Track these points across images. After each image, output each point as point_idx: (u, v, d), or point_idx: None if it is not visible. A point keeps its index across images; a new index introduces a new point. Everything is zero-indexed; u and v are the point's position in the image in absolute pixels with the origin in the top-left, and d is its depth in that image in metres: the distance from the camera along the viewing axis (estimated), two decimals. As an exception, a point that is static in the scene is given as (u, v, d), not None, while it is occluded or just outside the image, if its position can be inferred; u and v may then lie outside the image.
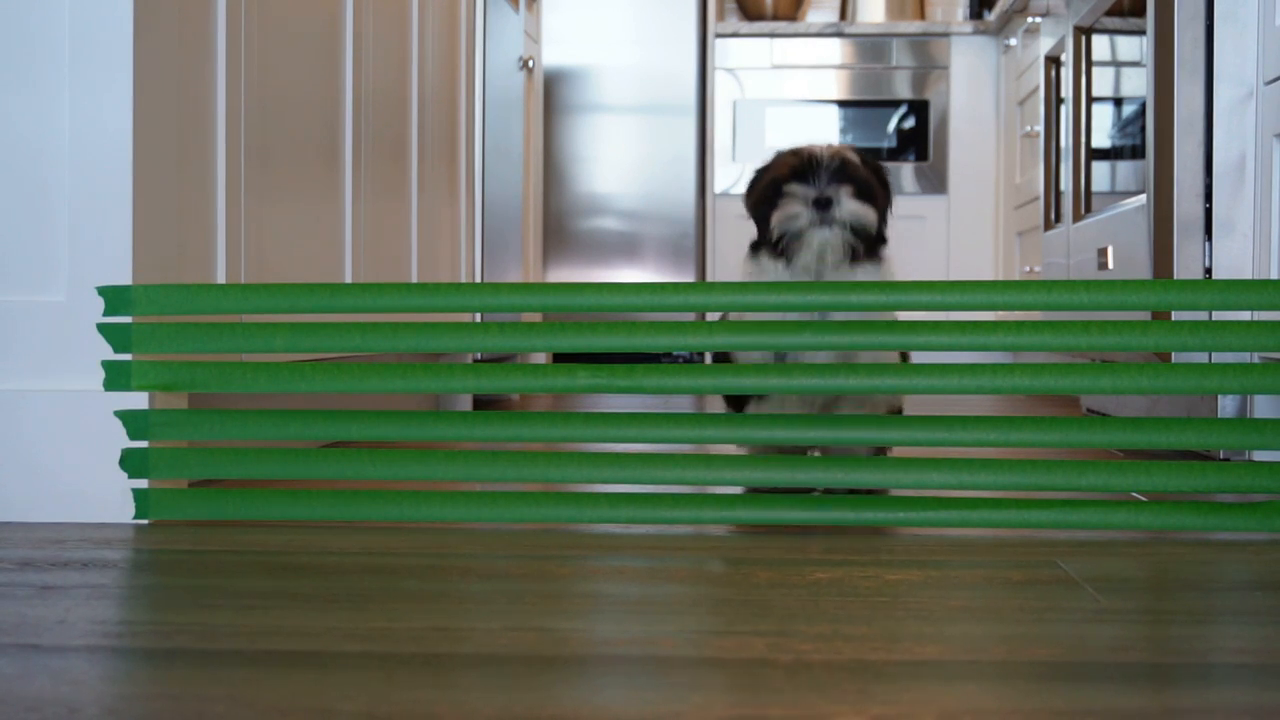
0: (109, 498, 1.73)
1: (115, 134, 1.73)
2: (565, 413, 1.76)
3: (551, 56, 5.02)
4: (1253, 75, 2.26)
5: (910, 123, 5.56)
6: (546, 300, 1.76)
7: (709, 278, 5.37)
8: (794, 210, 1.78)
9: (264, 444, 1.90)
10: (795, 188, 1.78)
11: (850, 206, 1.77)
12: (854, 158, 1.82)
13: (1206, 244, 2.31)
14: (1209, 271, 2.31)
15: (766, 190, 1.81)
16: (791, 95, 5.60)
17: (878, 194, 1.80)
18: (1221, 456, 2.20)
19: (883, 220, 1.85)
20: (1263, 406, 2.13)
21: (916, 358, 1.65)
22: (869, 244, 1.82)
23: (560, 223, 5.14)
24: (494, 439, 1.76)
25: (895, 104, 5.56)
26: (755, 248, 1.89)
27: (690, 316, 4.84)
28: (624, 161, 5.19)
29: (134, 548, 1.58)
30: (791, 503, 1.70)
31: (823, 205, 1.76)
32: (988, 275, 5.46)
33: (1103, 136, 3.16)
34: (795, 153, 1.83)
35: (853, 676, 1.05)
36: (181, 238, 1.89)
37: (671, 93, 5.17)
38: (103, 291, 1.72)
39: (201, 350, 1.74)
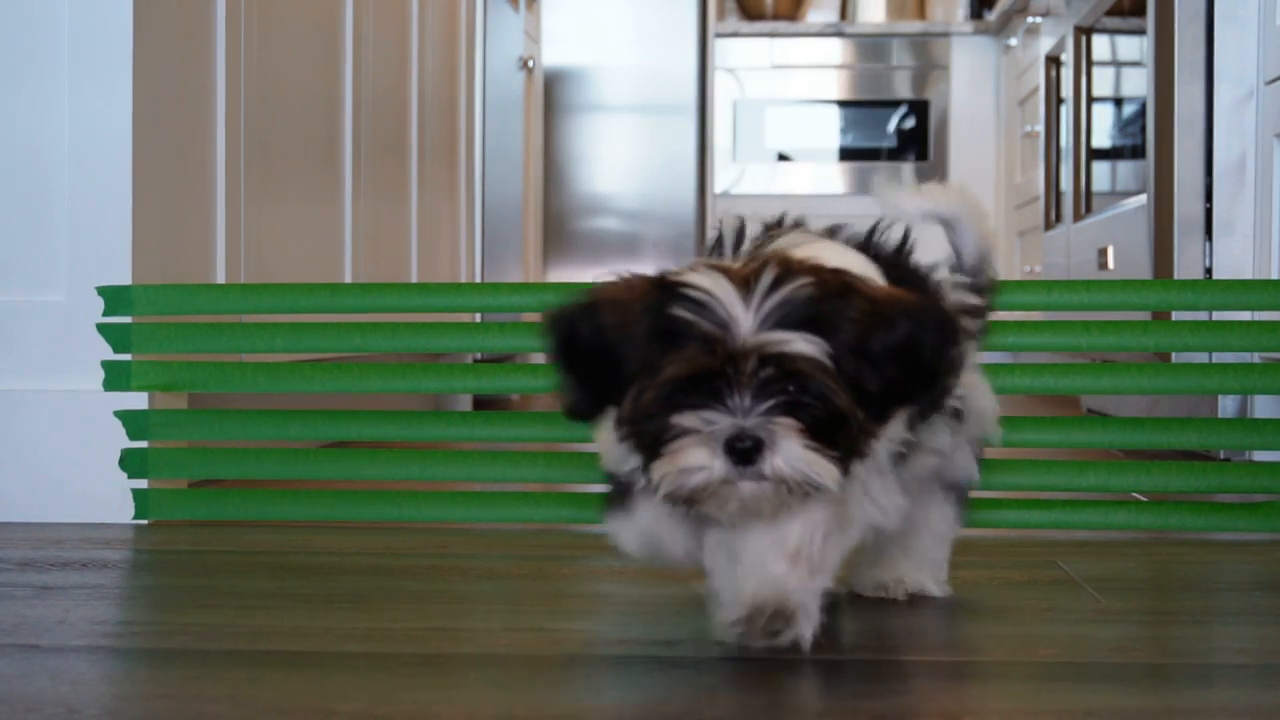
0: (109, 498, 1.73)
1: (115, 134, 1.73)
2: (565, 413, 1.76)
3: (551, 56, 5.02)
4: (1253, 75, 2.26)
5: (910, 123, 5.55)
6: (546, 300, 1.75)
7: (709, 278, 5.36)
8: (694, 461, 1.00)
9: (264, 444, 1.90)
10: (692, 419, 1.00)
11: (791, 456, 0.99)
12: (809, 352, 0.99)
13: (1206, 244, 2.31)
14: (1209, 271, 2.31)
15: (650, 398, 1.01)
16: (791, 95, 5.59)
17: (849, 416, 1.00)
18: (1221, 456, 2.20)
19: (922, 390, 1.04)
20: (1263, 406, 2.13)
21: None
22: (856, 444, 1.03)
23: (560, 223, 5.14)
24: (494, 439, 1.75)
25: (895, 104, 5.56)
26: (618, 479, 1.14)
27: (690, 316, 4.82)
28: (624, 161, 5.18)
29: (134, 548, 1.58)
30: (791, 503, 1.69)
31: (744, 454, 0.99)
32: (988, 275, 5.46)
33: (1103, 136, 3.16)
34: (703, 337, 1.00)
35: (853, 676, 1.05)
36: (181, 238, 1.89)
37: (671, 93, 5.17)
38: (103, 291, 1.72)
39: (201, 350, 1.74)
